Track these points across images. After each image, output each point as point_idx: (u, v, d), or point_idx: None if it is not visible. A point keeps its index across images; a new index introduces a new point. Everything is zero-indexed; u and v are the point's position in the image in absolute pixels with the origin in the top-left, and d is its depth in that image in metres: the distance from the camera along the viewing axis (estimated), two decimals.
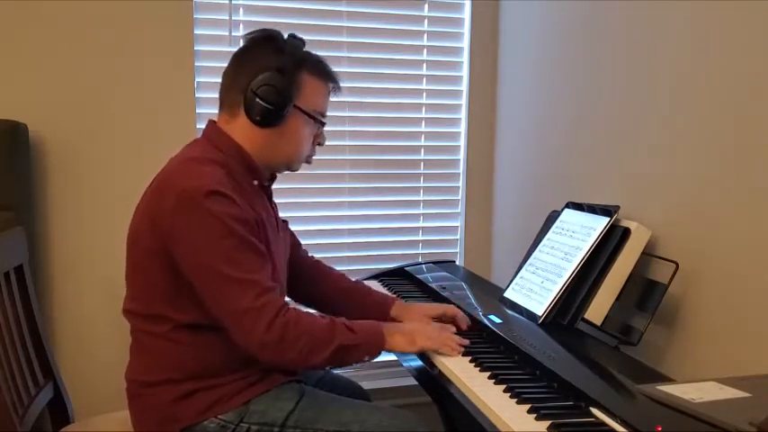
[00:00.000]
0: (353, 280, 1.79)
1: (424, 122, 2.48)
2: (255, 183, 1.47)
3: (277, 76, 1.39)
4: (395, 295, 1.84)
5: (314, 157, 1.57)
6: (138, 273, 1.40)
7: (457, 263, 2.50)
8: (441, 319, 1.65)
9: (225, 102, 1.47)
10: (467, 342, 1.49)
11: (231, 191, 1.33)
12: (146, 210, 1.38)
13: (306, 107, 1.46)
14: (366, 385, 1.83)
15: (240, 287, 1.28)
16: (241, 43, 1.49)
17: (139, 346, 1.44)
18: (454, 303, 1.79)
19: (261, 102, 1.39)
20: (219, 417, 1.37)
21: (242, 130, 1.44)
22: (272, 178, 1.55)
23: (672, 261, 1.52)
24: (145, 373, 1.41)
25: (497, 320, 1.64)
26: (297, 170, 1.55)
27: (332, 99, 1.54)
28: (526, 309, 1.69)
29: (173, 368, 1.38)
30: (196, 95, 2.20)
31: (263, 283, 1.31)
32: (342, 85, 1.55)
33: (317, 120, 1.50)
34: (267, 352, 1.29)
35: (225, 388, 1.38)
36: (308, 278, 1.72)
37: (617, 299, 1.59)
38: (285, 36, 1.46)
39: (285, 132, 1.45)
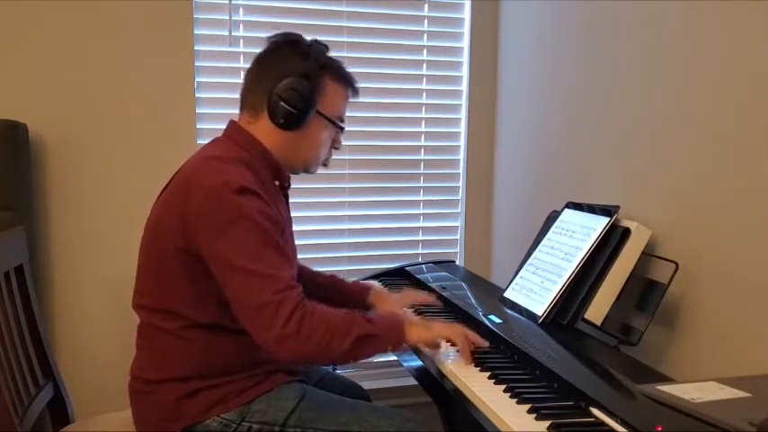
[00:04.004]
0: (327, 274, 1.81)
1: (424, 122, 2.48)
2: (276, 184, 1.49)
3: (302, 82, 1.42)
4: (376, 283, 1.88)
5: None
6: (157, 268, 1.40)
7: (457, 263, 2.50)
8: (413, 306, 1.77)
9: (247, 102, 1.49)
10: (482, 342, 1.47)
11: (258, 189, 1.35)
12: (170, 206, 1.37)
13: (327, 112, 1.49)
14: (366, 385, 1.83)
15: (263, 282, 1.28)
16: (265, 45, 1.51)
17: (147, 342, 1.45)
18: (454, 303, 1.80)
19: (285, 105, 1.42)
20: (222, 416, 1.37)
21: (264, 132, 1.46)
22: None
23: (672, 261, 1.52)
24: (151, 370, 1.42)
25: (497, 320, 1.64)
26: (313, 173, 1.58)
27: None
28: (526, 309, 1.69)
29: (180, 366, 1.39)
30: (196, 95, 2.20)
31: (286, 280, 1.30)
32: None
33: (337, 124, 1.53)
34: (286, 346, 1.26)
35: (228, 387, 1.39)
36: None
37: (617, 299, 1.59)
38: (308, 41, 1.49)
39: (306, 136, 1.48)
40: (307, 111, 1.44)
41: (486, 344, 1.47)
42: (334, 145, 1.57)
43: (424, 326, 1.44)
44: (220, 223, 1.30)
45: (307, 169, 1.55)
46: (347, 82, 1.53)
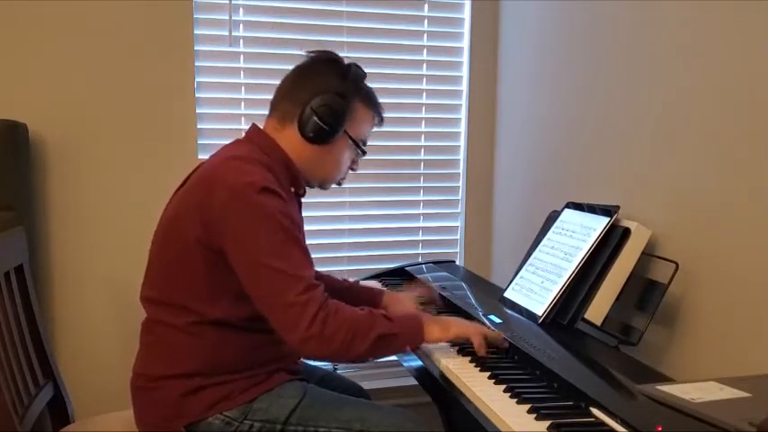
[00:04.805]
0: (341, 279, 1.84)
1: (424, 122, 2.48)
2: (292, 190, 1.52)
3: (337, 100, 1.47)
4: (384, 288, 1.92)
5: None
6: (172, 263, 1.41)
7: (457, 263, 2.50)
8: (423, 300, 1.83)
9: (277, 110, 1.52)
10: (500, 342, 1.48)
11: (279, 190, 1.37)
12: (189, 202, 1.39)
13: (353, 134, 1.54)
14: (366, 385, 1.83)
15: (288, 281, 1.30)
16: (304, 58, 1.55)
17: (153, 338, 1.45)
18: (454, 303, 1.80)
19: (317, 120, 1.45)
20: (224, 413, 1.38)
21: (289, 141, 1.49)
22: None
23: (672, 261, 1.52)
24: (155, 366, 1.42)
25: (497, 320, 1.64)
26: (327, 189, 1.63)
27: None
28: (526, 309, 1.69)
29: (185, 362, 1.39)
30: (196, 95, 2.20)
31: (310, 279, 1.33)
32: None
33: (360, 147, 1.58)
34: (310, 345, 1.29)
35: (232, 385, 1.39)
36: None
37: (617, 299, 1.59)
38: (347, 62, 1.54)
39: (330, 153, 1.52)
40: (336, 129, 1.48)
41: (506, 344, 1.48)
42: (352, 166, 1.61)
43: (442, 326, 1.45)
44: (245, 223, 1.32)
45: (322, 184, 1.60)
46: (376, 109, 1.58)
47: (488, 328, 1.53)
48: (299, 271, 1.32)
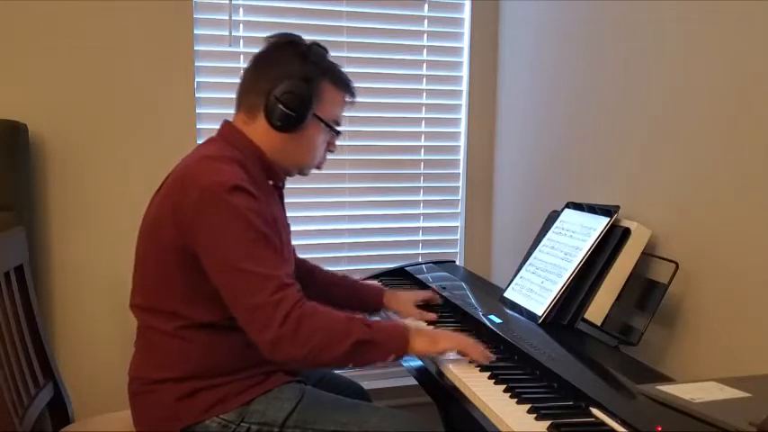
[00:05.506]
0: (340, 274, 1.83)
1: (424, 122, 2.48)
2: (270, 183, 1.50)
3: (301, 84, 1.42)
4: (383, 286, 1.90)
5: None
6: (153, 267, 1.40)
7: (457, 263, 2.50)
8: (424, 305, 1.80)
9: (243, 103, 1.49)
10: (486, 357, 1.43)
11: (251, 187, 1.35)
12: (165, 205, 1.37)
13: (324, 116, 1.49)
14: (366, 385, 1.83)
15: (259, 282, 1.27)
16: (263, 45, 1.51)
17: (145, 343, 1.44)
18: (454, 303, 1.80)
19: (283, 108, 1.41)
20: (221, 416, 1.37)
21: (260, 133, 1.46)
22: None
23: (672, 261, 1.52)
24: (149, 371, 1.42)
25: (497, 320, 1.64)
26: (307, 175, 1.58)
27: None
28: (526, 309, 1.69)
29: (178, 366, 1.38)
30: (196, 95, 2.20)
31: (282, 279, 1.29)
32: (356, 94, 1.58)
33: (333, 128, 1.53)
34: (281, 347, 1.25)
35: (227, 387, 1.39)
36: (302, 278, 1.72)
37: (617, 299, 1.59)
38: (307, 42, 1.49)
39: (302, 138, 1.48)
40: (304, 114, 1.43)
41: (490, 359, 1.43)
42: (330, 148, 1.57)
43: (430, 339, 1.42)
44: (215, 224, 1.30)
45: (301, 171, 1.56)
46: (345, 86, 1.53)
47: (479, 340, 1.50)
48: (271, 270, 1.28)
